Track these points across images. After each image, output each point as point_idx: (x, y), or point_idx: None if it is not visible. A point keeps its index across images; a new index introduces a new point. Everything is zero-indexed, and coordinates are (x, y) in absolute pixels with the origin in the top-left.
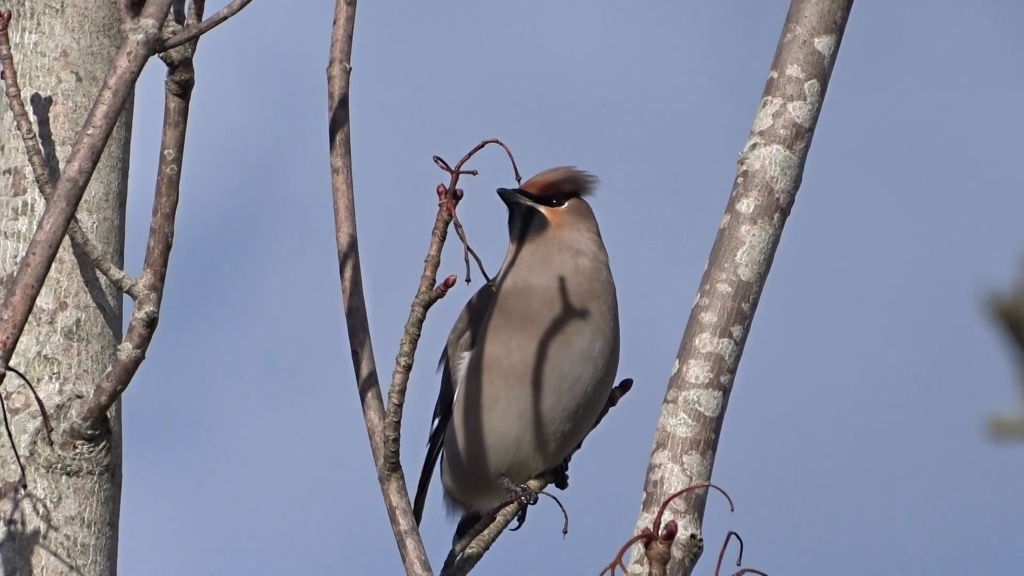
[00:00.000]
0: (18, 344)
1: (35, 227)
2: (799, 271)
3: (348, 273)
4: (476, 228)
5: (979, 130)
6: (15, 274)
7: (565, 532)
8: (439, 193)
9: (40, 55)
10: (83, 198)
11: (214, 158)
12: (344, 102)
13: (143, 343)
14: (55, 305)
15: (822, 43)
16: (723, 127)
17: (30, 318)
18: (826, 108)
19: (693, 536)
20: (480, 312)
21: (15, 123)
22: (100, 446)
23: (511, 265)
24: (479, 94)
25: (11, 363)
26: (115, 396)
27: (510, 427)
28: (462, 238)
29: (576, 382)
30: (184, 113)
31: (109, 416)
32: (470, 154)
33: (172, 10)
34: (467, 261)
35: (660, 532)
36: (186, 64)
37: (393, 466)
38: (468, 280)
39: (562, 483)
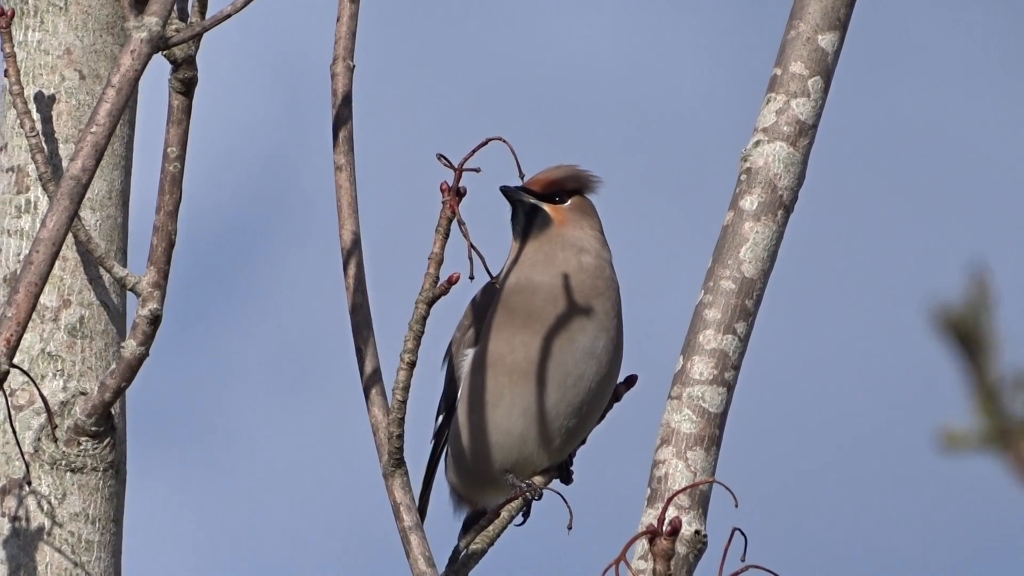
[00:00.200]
0: (22, 341)
1: (38, 225)
2: (802, 268)
3: (352, 270)
4: (480, 225)
5: (983, 127)
6: (19, 272)
7: (570, 528)
8: (442, 190)
9: (43, 53)
10: (86, 196)
11: (222, 157)
12: (347, 99)
13: (147, 340)
14: (59, 303)
15: (826, 40)
16: (726, 124)
17: (34, 315)
18: (829, 105)
19: (697, 532)
20: (484, 309)
21: (18, 121)
22: (104, 443)
23: (514, 262)
24: (482, 91)
25: (15, 360)
26: (119, 393)
27: (514, 423)
28: (466, 235)
29: (580, 379)
30: (187, 111)
31: (113, 413)
32: (473, 151)
33: (175, 8)
34: (471, 258)
35: (664, 528)
36: (189, 62)
37: (397, 462)
38: (472, 277)
39: (567, 479)
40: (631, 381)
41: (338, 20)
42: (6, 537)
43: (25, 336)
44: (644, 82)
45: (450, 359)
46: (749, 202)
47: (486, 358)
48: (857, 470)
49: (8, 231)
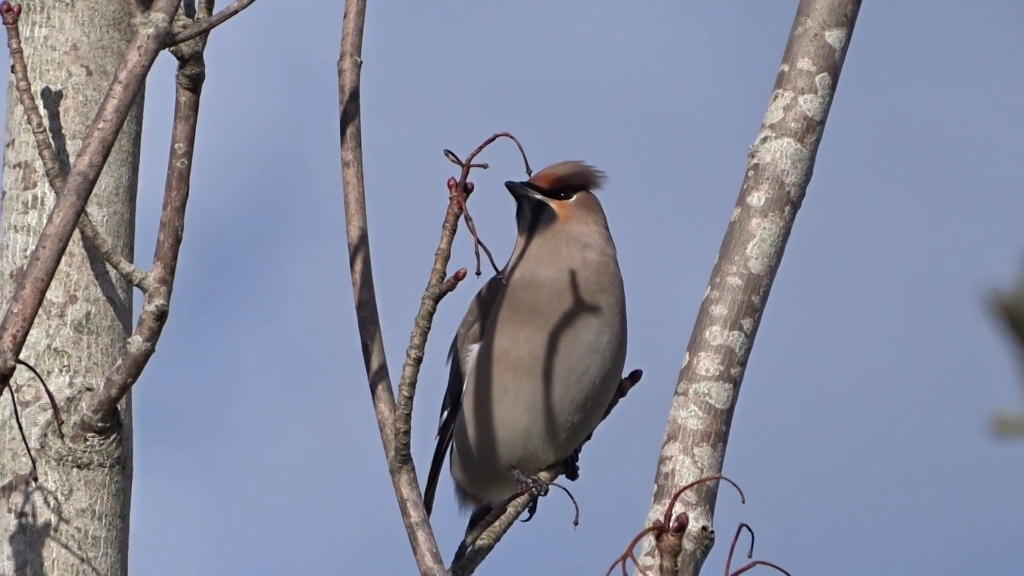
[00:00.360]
0: (28, 337)
1: (45, 221)
2: (809, 264)
3: (358, 266)
4: (486, 221)
5: (990, 123)
6: (25, 267)
7: (576, 524)
8: (450, 186)
9: (50, 49)
10: (93, 192)
11: (229, 153)
12: (355, 95)
13: (153, 336)
14: (65, 298)
15: (833, 36)
16: (734, 120)
17: (40, 311)
18: (837, 101)
19: (704, 528)
20: (489, 305)
21: (25, 117)
22: (111, 439)
23: (519, 258)
24: (490, 88)
25: (21, 356)
26: (125, 389)
27: (519, 419)
28: (472, 231)
29: (584, 374)
30: (194, 107)
31: (119, 409)
32: (481, 148)
33: (182, 4)
34: (477, 254)
35: (671, 524)
36: (196, 58)
37: (404, 458)
38: (478, 273)
39: (572, 475)
40: (636, 376)
41: (345, 16)
42: (13, 533)
43: (31, 332)
44: (651, 78)
45: (455, 355)
46: (756, 198)
47: (491, 354)
48: (864, 466)
49: (15, 227)
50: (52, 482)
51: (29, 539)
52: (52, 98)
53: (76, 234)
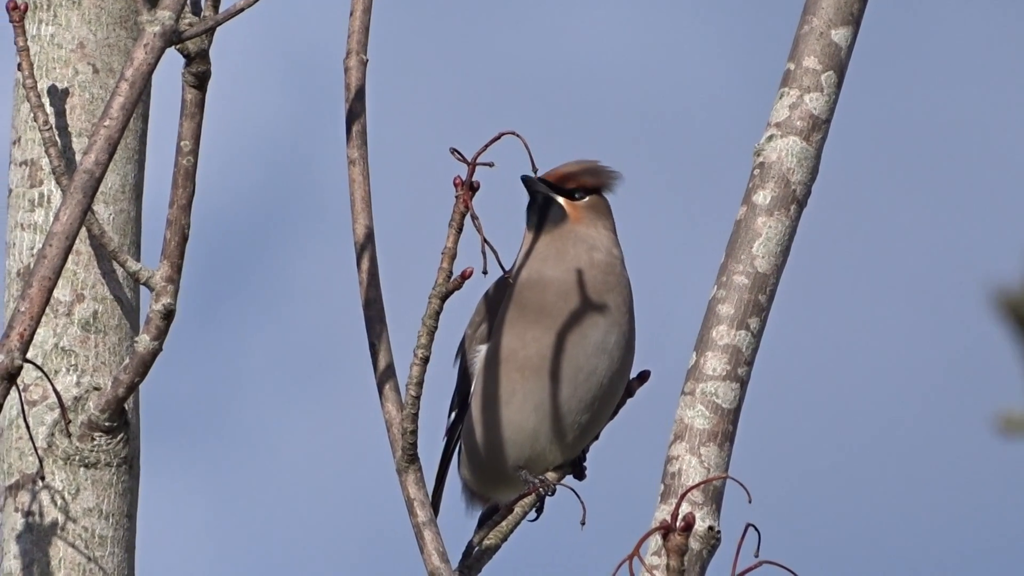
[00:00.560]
0: (35, 336)
1: (52, 219)
2: (816, 263)
3: (365, 265)
4: (493, 220)
5: (997, 122)
6: (32, 266)
7: (583, 524)
8: (456, 185)
9: (57, 47)
10: (100, 190)
11: (235, 151)
12: (361, 94)
13: (160, 335)
14: (72, 297)
15: (839, 35)
16: (740, 118)
17: (47, 310)
18: (843, 100)
19: (711, 528)
20: (496, 305)
21: (32, 115)
22: (118, 438)
23: (526, 256)
24: (496, 86)
25: (28, 355)
26: (133, 388)
27: (527, 419)
28: (479, 230)
29: (592, 374)
30: (201, 105)
31: (127, 408)
32: (487, 146)
33: (188, 2)
34: (484, 253)
35: (678, 524)
36: (203, 56)
37: (411, 458)
38: (485, 272)
39: (580, 475)
40: (644, 376)
41: (351, 14)
42: (20, 532)
43: (38, 331)
44: (657, 76)
45: (462, 355)
46: (762, 197)
47: (498, 354)
48: (870, 466)
49: (21, 225)
50: (59, 481)
51: (36, 538)
52: (58, 96)
53: (83, 232)
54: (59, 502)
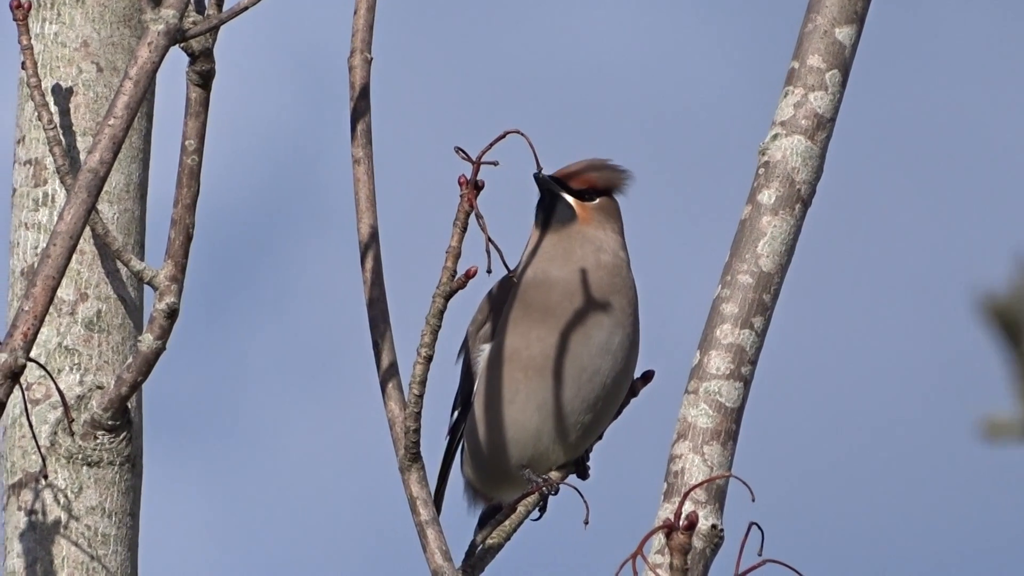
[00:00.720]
0: (39, 335)
1: (56, 218)
2: (820, 262)
3: (369, 264)
4: (497, 219)
5: (1001, 120)
6: (36, 265)
7: (586, 523)
8: (460, 184)
9: (61, 45)
10: (104, 189)
11: (240, 150)
12: (365, 92)
13: (164, 334)
14: (76, 296)
15: (843, 33)
16: (744, 117)
17: (51, 309)
18: (847, 98)
19: (714, 526)
20: (500, 304)
21: (36, 114)
22: (121, 437)
23: (532, 255)
24: (500, 85)
25: (32, 354)
26: (136, 387)
27: (530, 418)
28: (483, 229)
29: (595, 374)
30: (205, 104)
31: (130, 407)
32: (491, 145)
33: (192, 0)
34: (488, 252)
35: (681, 522)
36: (207, 54)
37: (414, 456)
38: (489, 271)
39: (583, 474)
40: (648, 377)
41: (355, 12)
42: (23, 530)
43: (42, 330)
44: (661, 75)
45: (466, 354)
46: (767, 196)
47: (502, 353)
48: (874, 465)
49: (25, 224)
50: (62, 480)
51: (39, 536)
52: (62, 95)
53: (87, 232)
54: (62, 500)
